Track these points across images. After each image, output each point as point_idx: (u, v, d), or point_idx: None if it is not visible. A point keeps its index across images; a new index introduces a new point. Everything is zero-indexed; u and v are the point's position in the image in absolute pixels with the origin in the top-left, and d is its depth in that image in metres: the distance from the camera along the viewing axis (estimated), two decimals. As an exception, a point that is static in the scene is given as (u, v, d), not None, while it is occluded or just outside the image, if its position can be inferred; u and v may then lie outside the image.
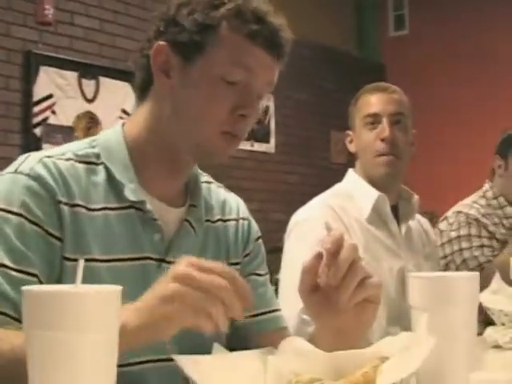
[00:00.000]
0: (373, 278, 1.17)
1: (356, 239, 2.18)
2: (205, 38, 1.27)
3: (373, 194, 2.25)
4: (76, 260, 1.13)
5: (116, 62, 5.08)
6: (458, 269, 2.64)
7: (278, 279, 2.14)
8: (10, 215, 1.19)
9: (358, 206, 2.26)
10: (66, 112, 4.84)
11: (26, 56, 4.67)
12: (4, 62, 4.59)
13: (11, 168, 1.26)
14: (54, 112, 4.78)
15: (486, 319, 1.93)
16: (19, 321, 1.04)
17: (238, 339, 1.36)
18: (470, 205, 2.79)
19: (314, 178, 6.68)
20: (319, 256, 1.17)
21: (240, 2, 1.28)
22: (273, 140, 6.52)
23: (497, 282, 1.95)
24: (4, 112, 4.56)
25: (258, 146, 6.36)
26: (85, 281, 0.83)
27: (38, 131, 4.68)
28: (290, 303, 1.70)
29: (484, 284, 1.82)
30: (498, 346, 1.84)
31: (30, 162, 1.26)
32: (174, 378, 1.15)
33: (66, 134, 4.77)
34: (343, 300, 1.15)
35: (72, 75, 4.91)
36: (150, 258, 1.30)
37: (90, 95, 5.01)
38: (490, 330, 1.88)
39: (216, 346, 1.13)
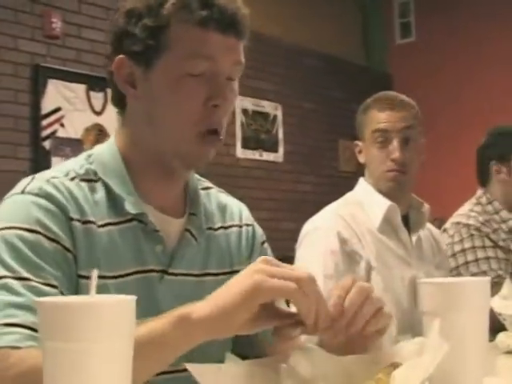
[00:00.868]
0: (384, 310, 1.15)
1: (367, 248, 2.18)
2: (159, 41, 1.26)
3: (384, 203, 2.25)
4: (88, 278, 1.13)
5: (124, 74, 5.09)
6: None
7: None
8: (25, 233, 1.18)
9: (369, 216, 2.26)
10: (74, 125, 4.85)
11: (34, 69, 4.68)
12: (12, 75, 4.60)
13: (17, 190, 1.25)
14: (62, 125, 4.78)
15: (493, 327, 1.92)
16: None
17: (243, 347, 1.36)
18: (468, 214, 2.74)
19: (323, 187, 6.68)
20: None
21: None
22: (281, 149, 6.53)
23: (507, 287, 1.95)
24: (13, 125, 4.57)
25: (267, 156, 6.37)
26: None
27: (46, 144, 4.68)
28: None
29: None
30: (510, 352, 1.83)
31: (36, 182, 1.25)
32: None
33: (74, 146, 4.76)
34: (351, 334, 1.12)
35: (80, 88, 4.92)
36: (153, 271, 1.30)
37: (98, 107, 5.02)
38: (501, 336, 1.88)
39: (228, 355, 1.13)
